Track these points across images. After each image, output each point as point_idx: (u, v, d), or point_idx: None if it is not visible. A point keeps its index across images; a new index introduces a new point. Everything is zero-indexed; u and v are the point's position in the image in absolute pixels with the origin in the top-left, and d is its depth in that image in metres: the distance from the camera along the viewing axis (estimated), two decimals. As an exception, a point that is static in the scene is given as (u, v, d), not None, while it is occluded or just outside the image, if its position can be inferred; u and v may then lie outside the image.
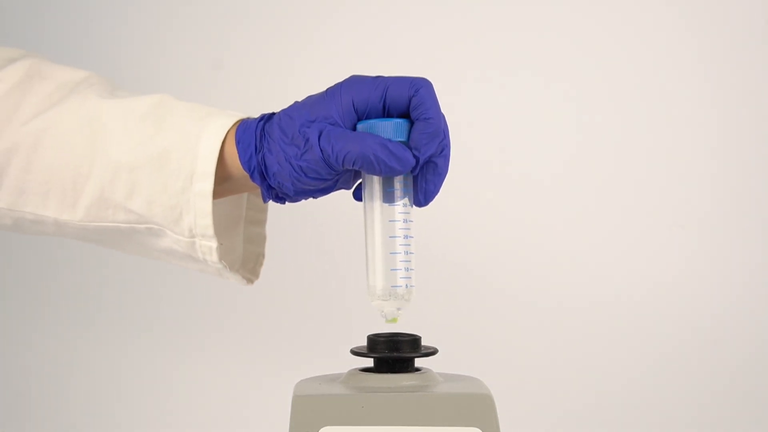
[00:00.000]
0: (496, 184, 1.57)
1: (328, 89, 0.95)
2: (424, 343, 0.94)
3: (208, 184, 0.96)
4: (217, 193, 0.98)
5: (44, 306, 1.58)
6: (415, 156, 0.92)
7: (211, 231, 0.97)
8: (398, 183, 0.94)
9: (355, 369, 0.94)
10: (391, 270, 0.93)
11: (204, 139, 0.96)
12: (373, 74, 0.95)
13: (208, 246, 0.98)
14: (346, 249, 1.52)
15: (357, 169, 0.92)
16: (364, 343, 0.94)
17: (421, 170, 0.94)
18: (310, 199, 0.99)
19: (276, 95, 1.52)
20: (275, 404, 1.21)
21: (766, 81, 1.56)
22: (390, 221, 0.93)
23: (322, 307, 1.56)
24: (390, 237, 0.93)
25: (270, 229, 1.12)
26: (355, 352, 0.94)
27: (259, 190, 1.02)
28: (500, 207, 1.56)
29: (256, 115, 1.00)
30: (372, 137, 0.91)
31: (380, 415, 0.88)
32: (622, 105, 1.57)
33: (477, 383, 0.93)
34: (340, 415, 0.88)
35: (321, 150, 0.92)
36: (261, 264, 1.09)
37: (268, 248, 1.11)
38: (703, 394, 1.53)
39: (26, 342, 1.58)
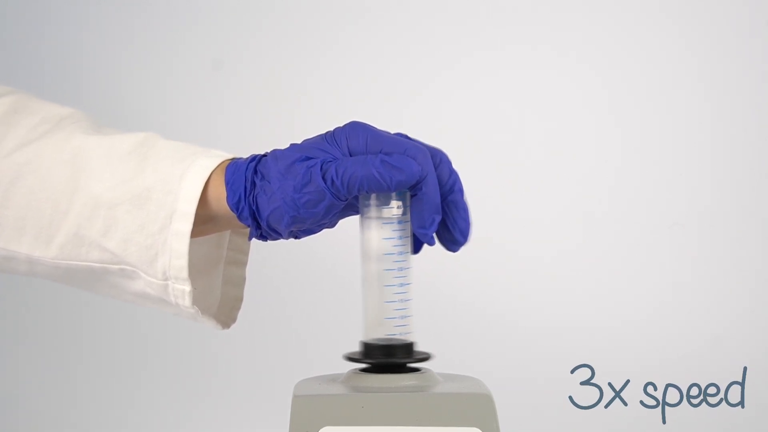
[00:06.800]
0: (495, 186, 1.57)
1: (326, 132, 0.93)
2: (423, 344, 0.94)
3: (186, 224, 0.94)
4: (198, 232, 0.96)
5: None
6: (419, 173, 0.90)
7: (185, 273, 0.94)
8: (396, 231, 0.92)
9: (355, 369, 0.94)
10: (386, 319, 0.92)
11: (187, 179, 0.94)
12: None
13: (181, 290, 0.95)
14: (346, 248, 1.52)
15: (365, 191, 0.90)
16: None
17: (445, 213, 0.93)
18: None
19: (277, 96, 1.52)
20: (275, 404, 1.21)
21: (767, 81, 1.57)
22: (386, 270, 0.92)
23: (323, 307, 1.56)
24: (386, 285, 0.92)
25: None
26: (350, 358, 0.94)
27: (242, 230, 1.01)
28: (499, 209, 1.56)
29: (247, 146, 0.97)
30: (371, 156, 0.90)
31: (380, 415, 0.88)
32: (621, 109, 1.57)
33: (477, 383, 0.93)
34: (340, 415, 0.88)
35: (325, 180, 0.90)
36: (238, 309, 1.06)
37: (270, 247, 1.09)
38: (703, 396, 1.53)
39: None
